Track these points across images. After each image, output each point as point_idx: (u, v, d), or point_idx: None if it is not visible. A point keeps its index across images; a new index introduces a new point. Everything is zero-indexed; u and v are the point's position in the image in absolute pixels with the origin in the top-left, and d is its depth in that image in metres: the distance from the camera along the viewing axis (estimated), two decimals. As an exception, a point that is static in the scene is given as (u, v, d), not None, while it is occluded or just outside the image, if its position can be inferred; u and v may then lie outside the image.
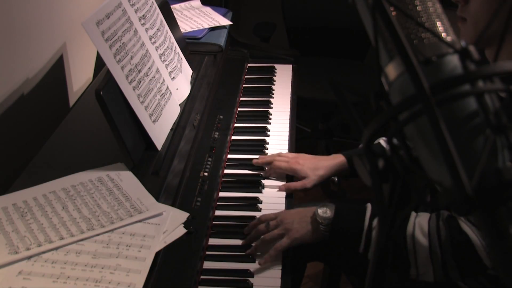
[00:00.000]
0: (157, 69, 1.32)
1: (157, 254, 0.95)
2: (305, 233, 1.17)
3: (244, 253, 1.17)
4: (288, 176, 1.42)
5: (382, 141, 1.40)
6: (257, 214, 1.28)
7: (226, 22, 1.92)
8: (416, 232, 1.07)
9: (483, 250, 1.00)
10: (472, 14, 1.02)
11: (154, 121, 1.23)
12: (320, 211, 1.17)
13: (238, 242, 1.20)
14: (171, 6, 1.64)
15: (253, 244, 1.18)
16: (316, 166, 1.40)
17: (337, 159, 1.43)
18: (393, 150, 0.48)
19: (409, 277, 1.08)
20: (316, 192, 2.74)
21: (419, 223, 1.08)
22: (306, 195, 2.69)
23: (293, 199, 1.37)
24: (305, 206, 1.56)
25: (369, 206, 1.16)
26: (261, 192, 1.37)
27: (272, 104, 1.74)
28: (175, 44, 1.50)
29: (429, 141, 0.48)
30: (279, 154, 1.45)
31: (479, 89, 0.45)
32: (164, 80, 1.34)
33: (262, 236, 1.17)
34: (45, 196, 1.06)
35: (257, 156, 1.45)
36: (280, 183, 1.39)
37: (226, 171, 1.43)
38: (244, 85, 1.83)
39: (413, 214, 1.11)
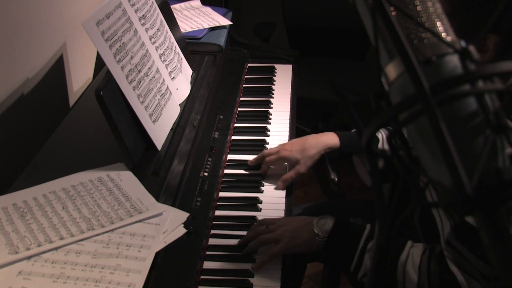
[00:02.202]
0: (157, 69, 1.32)
1: (157, 254, 0.95)
2: (299, 243, 1.15)
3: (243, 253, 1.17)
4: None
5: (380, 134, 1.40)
6: (257, 214, 1.28)
7: (226, 22, 1.92)
8: (408, 263, 1.05)
9: None
10: None
11: (154, 121, 1.23)
12: (319, 223, 1.15)
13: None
14: (171, 6, 1.64)
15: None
16: (304, 147, 1.39)
17: (326, 136, 1.41)
18: (393, 150, 0.48)
19: None
20: (316, 192, 2.74)
21: (413, 255, 1.06)
22: (306, 195, 2.70)
23: (292, 198, 1.37)
24: (303, 205, 1.57)
25: (368, 227, 1.14)
26: (261, 192, 1.37)
27: (272, 104, 1.74)
28: (175, 44, 1.50)
29: (429, 141, 0.48)
30: (269, 149, 1.44)
31: (479, 89, 0.45)
32: (164, 80, 1.34)
33: (259, 237, 1.17)
34: (45, 196, 1.06)
35: (256, 156, 1.45)
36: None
37: (226, 171, 1.43)
38: (244, 85, 1.83)
39: (409, 243, 1.09)
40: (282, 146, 1.42)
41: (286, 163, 1.44)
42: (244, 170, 1.44)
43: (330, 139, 1.41)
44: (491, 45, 0.94)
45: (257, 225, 1.21)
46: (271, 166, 1.43)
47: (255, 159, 1.44)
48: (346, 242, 1.12)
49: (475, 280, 0.95)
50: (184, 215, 1.05)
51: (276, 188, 1.38)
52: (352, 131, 1.47)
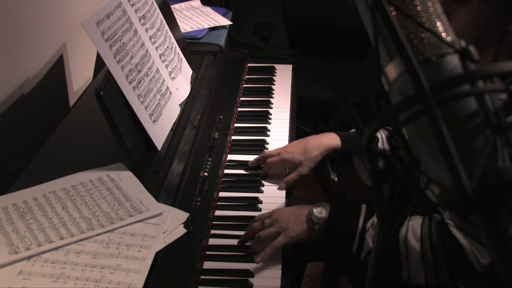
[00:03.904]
0: (157, 69, 1.32)
1: (157, 254, 0.95)
2: (301, 232, 1.17)
3: (244, 253, 1.17)
4: (290, 171, 1.42)
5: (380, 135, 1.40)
6: (257, 214, 1.28)
7: (226, 22, 1.92)
8: (409, 235, 1.07)
9: (473, 254, 1.00)
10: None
11: (154, 121, 1.23)
12: (315, 210, 1.17)
13: (238, 242, 1.20)
14: (171, 6, 1.64)
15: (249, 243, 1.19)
16: (305, 149, 1.39)
17: (327, 137, 1.42)
18: (393, 150, 0.48)
19: (401, 280, 1.08)
20: (316, 192, 2.74)
21: (412, 227, 1.08)
22: (306, 195, 2.70)
23: (292, 198, 1.37)
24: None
25: (363, 207, 1.16)
26: (261, 192, 1.37)
27: (272, 104, 1.74)
28: (175, 44, 1.50)
29: (429, 141, 0.48)
30: (270, 150, 1.45)
31: (479, 89, 0.45)
32: (164, 80, 1.34)
33: (257, 234, 1.17)
34: (45, 196, 1.06)
35: (257, 156, 1.45)
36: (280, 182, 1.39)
37: (226, 171, 1.43)
38: (244, 85, 1.83)
39: (407, 217, 1.12)
40: (283, 148, 1.42)
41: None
42: (244, 170, 1.44)
43: (331, 140, 1.41)
44: None
45: (252, 222, 1.21)
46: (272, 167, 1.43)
47: (256, 160, 1.43)
48: (344, 225, 1.14)
49: (478, 243, 1.00)
50: (184, 215, 1.05)
51: (277, 189, 1.38)
52: (352, 131, 1.47)
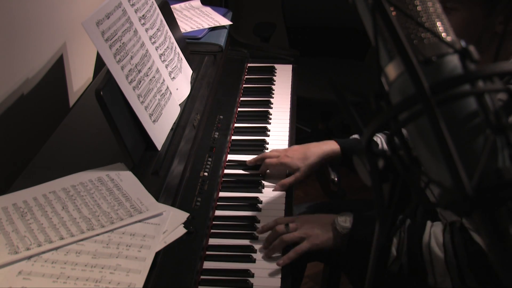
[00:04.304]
0: (157, 69, 1.32)
1: (157, 254, 0.95)
2: (326, 239, 1.17)
3: (244, 254, 1.17)
4: (289, 173, 1.42)
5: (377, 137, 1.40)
6: (257, 214, 1.28)
7: (226, 22, 1.92)
8: (431, 242, 1.08)
9: None
10: None
11: (154, 121, 1.23)
12: (340, 219, 1.18)
13: (238, 242, 1.20)
14: (171, 6, 1.64)
15: (254, 244, 1.18)
16: (305, 155, 1.40)
17: (327, 144, 1.42)
18: (393, 150, 0.48)
19: (428, 286, 1.08)
20: (316, 192, 2.74)
21: (435, 233, 1.09)
22: (306, 195, 2.70)
23: (292, 198, 1.37)
24: (303, 205, 1.57)
25: None
26: (261, 192, 1.37)
27: (272, 104, 1.74)
28: (175, 44, 1.50)
29: (429, 141, 0.48)
30: (270, 151, 1.45)
31: (479, 89, 0.45)
32: (164, 80, 1.34)
33: (281, 236, 1.17)
34: (45, 196, 1.06)
35: (256, 156, 1.45)
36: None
37: (226, 171, 1.43)
38: (244, 85, 1.83)
39: (429, 223, 1.12)
40: (284, 152, 1.42)
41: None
42: (244, 170, 1.44)
43: (331, 148, 1.42)
44: None
45: (272, 225, 1.21)
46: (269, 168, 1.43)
47: (254, 159, 1.44)
48: (367, 235, 1.14)
49: None
50: (184, 215, 1.05)
51: (275, 190, 1.38)
52: (352, 137, 1.47)
